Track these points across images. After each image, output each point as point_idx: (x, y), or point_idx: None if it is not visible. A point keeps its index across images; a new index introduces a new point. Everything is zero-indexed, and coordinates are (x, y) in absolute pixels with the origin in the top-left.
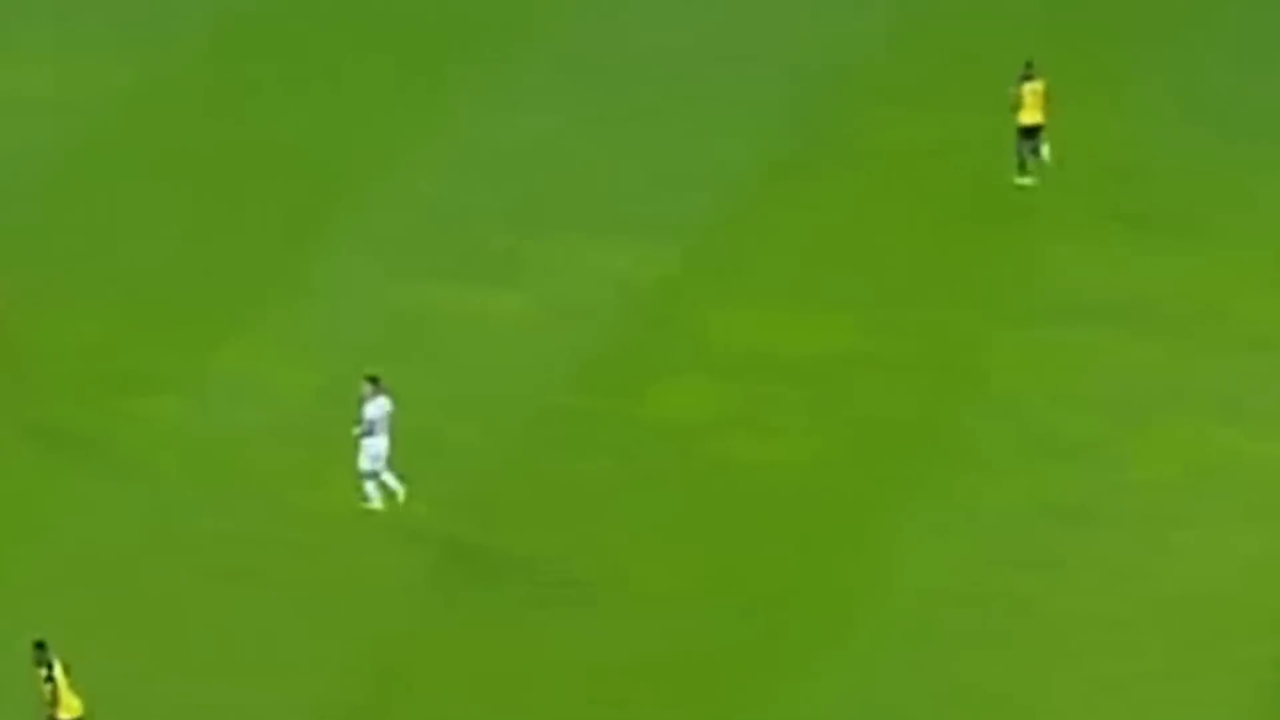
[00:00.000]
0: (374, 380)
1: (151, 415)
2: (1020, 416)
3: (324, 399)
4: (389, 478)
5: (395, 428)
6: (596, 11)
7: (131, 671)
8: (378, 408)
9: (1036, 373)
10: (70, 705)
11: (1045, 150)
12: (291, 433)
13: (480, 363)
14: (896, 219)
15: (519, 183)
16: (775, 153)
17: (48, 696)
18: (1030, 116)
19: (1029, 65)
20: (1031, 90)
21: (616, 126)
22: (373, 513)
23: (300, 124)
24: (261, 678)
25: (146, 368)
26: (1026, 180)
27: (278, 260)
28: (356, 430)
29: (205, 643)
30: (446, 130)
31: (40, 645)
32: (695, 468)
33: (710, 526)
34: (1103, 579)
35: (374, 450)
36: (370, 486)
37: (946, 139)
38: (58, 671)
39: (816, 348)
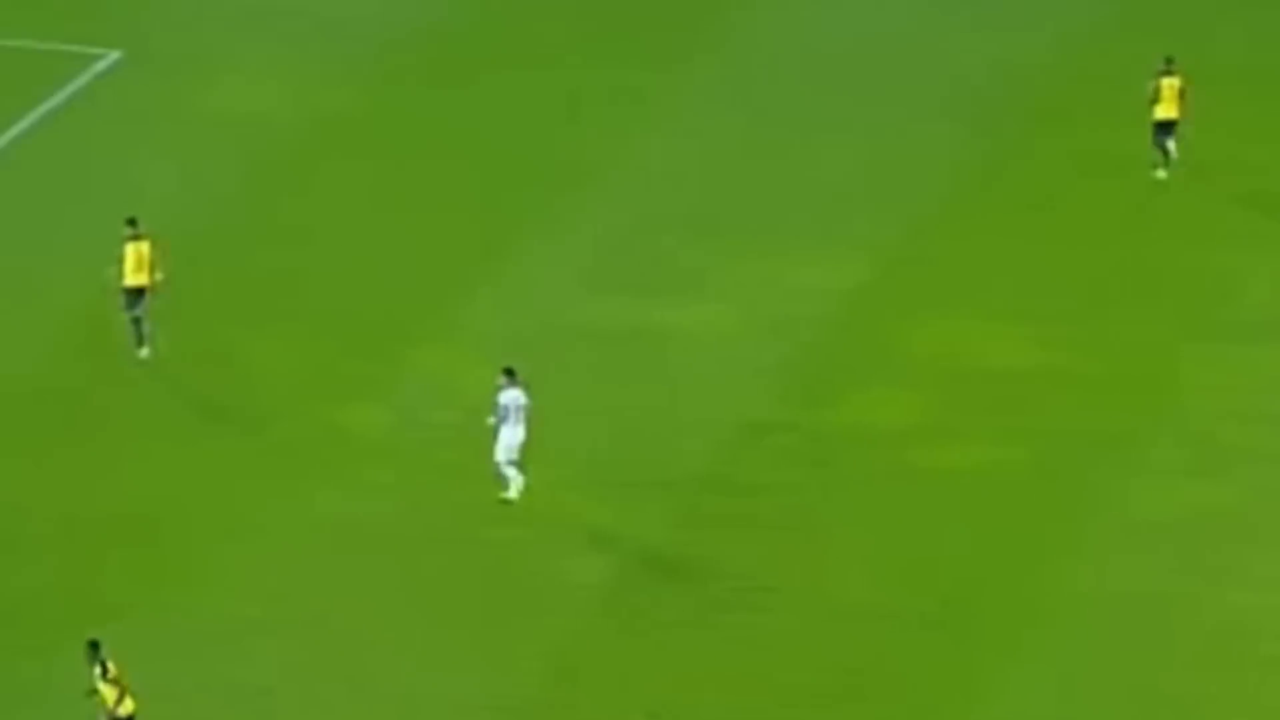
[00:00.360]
0: (509, 372)
1: (352, 421)
2: (1199, 428)
3: None
4: (511, 470)
5: (530, 420)
6: (784, 27)
7: (320, 662)
8: (510, 398)
9: (1217, 386)
10: (126, 704)
11: (1173, 146)
12: (485, 437)
13: (673, 375)
14: (1083, 234)
15: (711, 196)
16: (963, 166)
17: (106, 696)
18: (1166, 111)
19: (1168, 61)
20: (1169, 85)
21: (804, 140)
22: (517, 505)
23: (494, 140)
24: (444, 672)
25: (349, 374)
26: (1162, 174)
27: (474, 273)
28: (491, 420)
29: (391, 636)
30: (638, 145)
31: (94, 644)
32: (887, 476)
33: (902, 533)
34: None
35: (506, 440)
36: (510, 474)
37: (1132, 153)
38: (111, 671)
39: (1004, 360)
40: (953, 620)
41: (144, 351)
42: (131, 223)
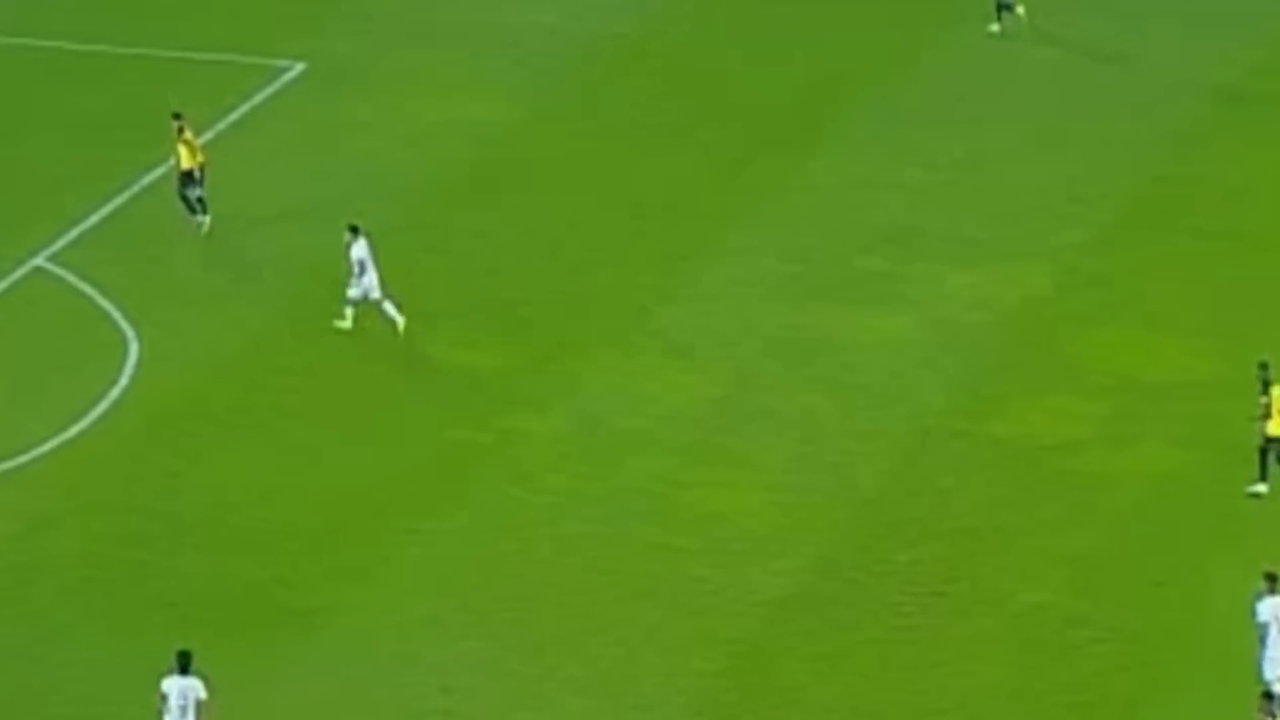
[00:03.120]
0: (354, 229)
1: (533, 425)
2: None
3: (705, 409)
4: (389, 307)
5: (379, 262)
6: (971, 51)
7: (497, 659)
8: (362, 248)
9: None
10: None
11: (1021, 9)
12: (669, 441)
13: (854, 382)
14: (1261, 247)
15: (894, 211)
16: (1146, 179)
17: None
18: None
19: None
20: None
21: (988, 153)
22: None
23: (679, 151)
24: (620, 673)
25: (531, 378)
26: (994, 28)
27: (659, 279)
28: (351, 277)
29: (567, 638)
30: (826, 158)
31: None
32: (1059, 482)
33: (1074, 537)
34: None
35: (366, 283)
36: (349, 311)
37: None
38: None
39: (1179, 372)
40: (1125, 623)
41: (201, 219)
42: (177, 116)
